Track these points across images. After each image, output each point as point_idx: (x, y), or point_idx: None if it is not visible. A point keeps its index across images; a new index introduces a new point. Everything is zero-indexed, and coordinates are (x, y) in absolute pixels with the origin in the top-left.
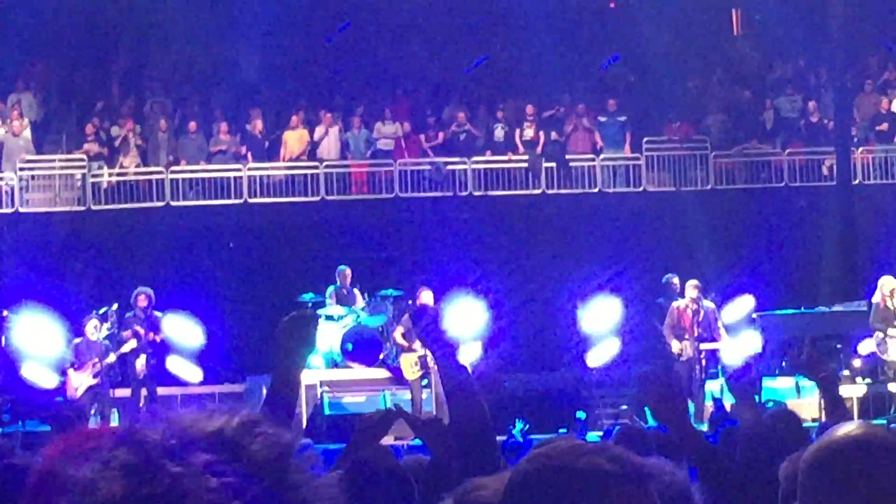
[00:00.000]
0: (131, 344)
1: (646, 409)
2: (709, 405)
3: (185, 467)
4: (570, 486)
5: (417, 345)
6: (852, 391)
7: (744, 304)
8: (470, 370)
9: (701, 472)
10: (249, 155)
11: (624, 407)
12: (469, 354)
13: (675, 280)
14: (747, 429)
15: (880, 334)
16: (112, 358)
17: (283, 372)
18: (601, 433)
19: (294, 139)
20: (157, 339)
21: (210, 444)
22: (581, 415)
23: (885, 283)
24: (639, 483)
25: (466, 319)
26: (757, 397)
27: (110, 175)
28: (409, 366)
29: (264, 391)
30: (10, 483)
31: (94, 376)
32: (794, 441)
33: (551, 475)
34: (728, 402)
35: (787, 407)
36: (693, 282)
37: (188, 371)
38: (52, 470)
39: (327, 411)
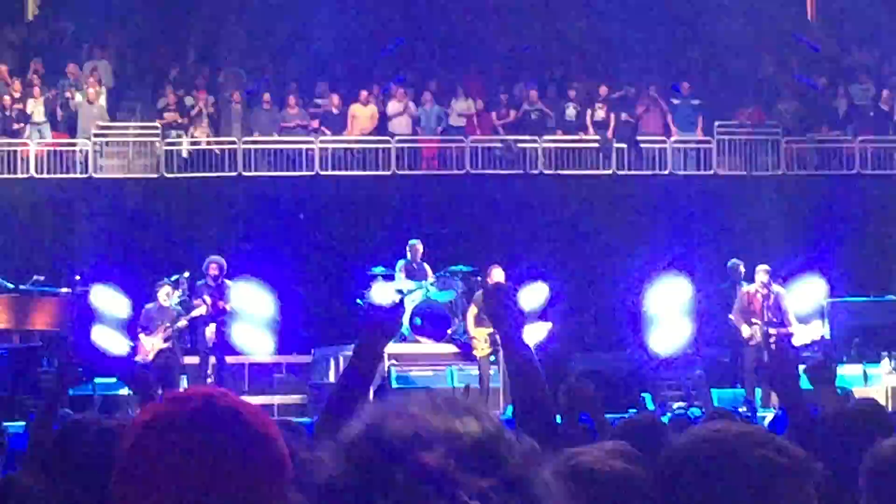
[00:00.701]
0: (201, 310)
1: (711, 392)
2: None
3: (424, 470)
4: (736, 474)
5: (487, 323)
6: None
7: (814, 290)
8: (534, 349)
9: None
10: (321, 128)
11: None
12: (535, 334)
13: (741, 265)
14: (829, 416)
15: None
16: (183, 322)
17: (365, 346)
18: (668, 415)
19: (363, 113)
20: (227, 307)
21: (468, 452)
22: (647, 397)
23: None
24: (803, 476)
25: (533, 298)
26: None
27: (184, 144)
28: (478, 343)
29: (332, 363)
30: (103, 445)
31: (165, 340)
32: (881, 432)
33: (717, 460)
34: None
35: (873, 400)
36: (763, 266)
37: (256, 341)
38: (149, 433)
39: (394, 384)
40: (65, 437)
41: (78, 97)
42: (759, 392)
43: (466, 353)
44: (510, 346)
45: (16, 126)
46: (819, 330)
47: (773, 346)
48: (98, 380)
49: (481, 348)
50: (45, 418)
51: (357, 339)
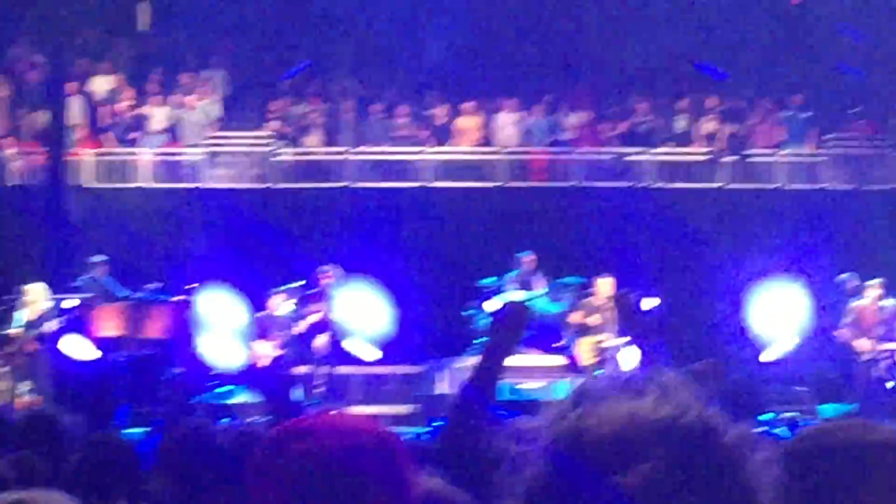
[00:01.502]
0: (315, 317)
1: (818, 409)
2: None
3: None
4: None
5: (594, 332)
6: None
7: None
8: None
9: None
10: (429, 139)
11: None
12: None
13: (852, 280)
14: None
15: None
16: (296, 329)
17: (493, 353)
18: (782, 428)
19: (469, 125)
20: (338, 317)
21: (679, 441)
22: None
23: None
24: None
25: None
26: None
27: (294, 154)
28: (585, 351)
29: (442, 375)
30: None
31: (280, 347)
32: None
33: (839, 448)
34: None
35: None
36: (877, 281)
37: (368, 351)
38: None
39: (507, 396)
40: (192, 443)
41: (190, 107)
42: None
43: (575, 365)
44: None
45: (132, 135)
46: None
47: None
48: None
49: (588, 356)
50: (173, 425)
51: (485, 344)
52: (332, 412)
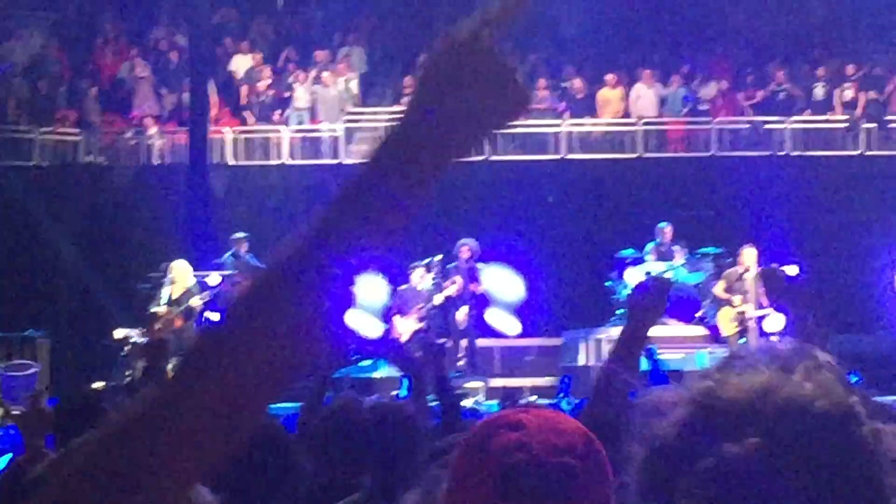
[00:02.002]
0: (452, 289)
1: None
2: None
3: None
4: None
5: (737, 299)
6: None
7: None
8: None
9: None
10: (567, 112)
11: None
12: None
13: None
14: None
15: None
16: (436, 301)
17: (634, 329)
18: None
19: (611, 97)
20: (479, 290)
21: (811, 426)
22: None
23: None
24: None
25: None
26: None
27: None
28: (726, 322)
29: (581, 346)
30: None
31: (420, 320)
32: None
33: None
34: None
35: None
36: None
37: (507, 323)
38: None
39: (644, 367)
40: (335, 418)
41: (329, 84)
42: None
43: (716, 335)
44: (796, 330)
45: (275, 113)
46: None
47: None
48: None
49: (729, 327)
50: (315, 400)
51: (626, 320)
52: (537, 408)
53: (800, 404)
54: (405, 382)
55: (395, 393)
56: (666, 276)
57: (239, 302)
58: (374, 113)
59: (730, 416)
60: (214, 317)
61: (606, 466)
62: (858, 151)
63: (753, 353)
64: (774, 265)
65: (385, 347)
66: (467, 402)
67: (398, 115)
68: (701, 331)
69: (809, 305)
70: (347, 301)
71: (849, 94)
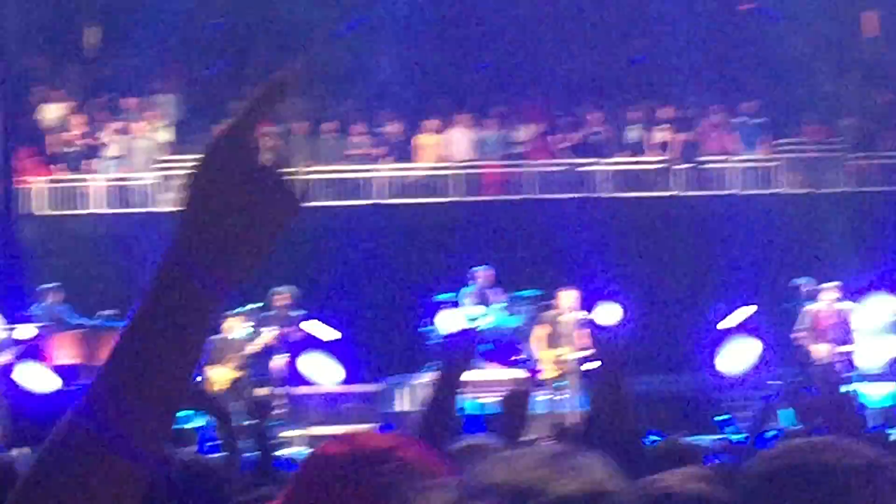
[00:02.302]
0: (267, 339)
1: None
2: None
3: None
4: (811, 483)
5: (554, 346)
6: None
7: (883, 307)
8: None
9: None
10: (384, 157)
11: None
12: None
13: (807, 284)
14: None
15: None
16: (250, 350)
17: (445, 377)
18: (745, 436)
19: (429, 142)
20: (296, 338)
21: None
22: (724, 419)
23: None
24: (877, 475)
25: (606, 320)
26: None
27: None
28: (547, 364)
29: (401, 392)
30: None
31: (237, 369)
32: None
33: (787, 471)
34: None
35: None
36: (831, 284)
37: (326, 371)
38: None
39: (471, 411)
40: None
41: (141, 132)
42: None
43: (536, 378)
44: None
45: (86, 162)
46: (891, 348)
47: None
48: None
49: (550, 371)
50: None
51: (437, 371)
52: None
53: (561, 489)
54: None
55: (210, 444)
56: (484, 320)
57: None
58: (187, 161)
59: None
60: (29, 368)
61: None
62: (673, 192)
63: (521, 452)
64: (594, 311)
65: (197, 398)
66: (285, 452)
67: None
68: (521, 374)
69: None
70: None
71: (662, 135)
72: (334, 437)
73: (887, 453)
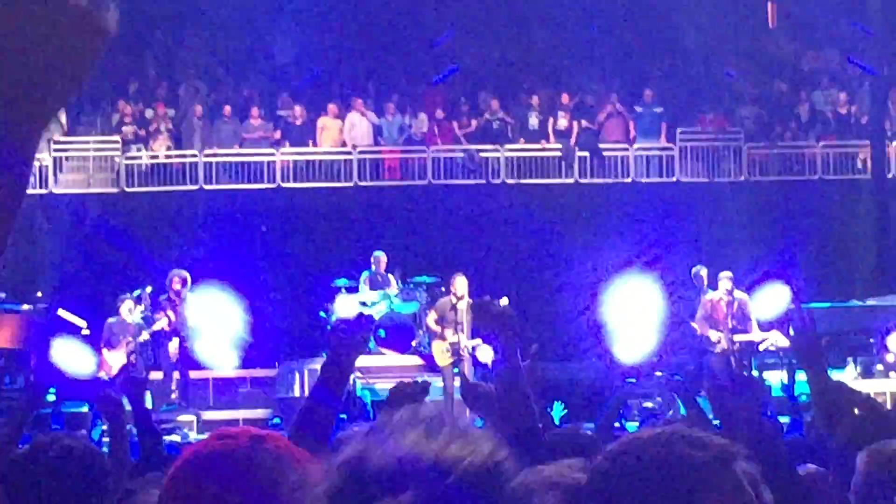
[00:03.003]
0: (163, 323)
1: (678, 400)
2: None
3: None
4: (655, 475)
5: (449, 332)
6: (886, 386)
7: (778, 296)
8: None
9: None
10: (283, 140)
11: (657, 401)
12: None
13: (703, 272)
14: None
15: None
16: (145, 336)
17: (334, 363)
18: (638, 423)
19: (329, 125)
20: (190, 322)
21: (439, 482)
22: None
23: None
24: (723, 466)
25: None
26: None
27: (145, 158)
28: (440, 352)
29: (297, 377)
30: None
31: (128, 356)
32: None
33: (635, 464)
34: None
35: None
36: (726, 273)
37: (221, 355)
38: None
39: (364, 397)
40: (31, 457)
41: None
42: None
43: (431, 364)
44: (505, 360)
45: None
46: (784, 337)
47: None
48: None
49: (443, 358)
50: (12, 439)
51: (326, 356)
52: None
53: (446, 464)
54: (98, 419)
55: (104, 427)
56: (380, 305)
57: None
58: (83, 142)
59: (380, 480)
60: None
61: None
62: (572, 180)
63: (401, 419)
64: (486, 297)
65: (86, 387)
66: (177, 437)
67: None
68: (416, 360)
69: (517, 337)
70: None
71: (562, 122)
72: (213, 431)
73: (738, 445)
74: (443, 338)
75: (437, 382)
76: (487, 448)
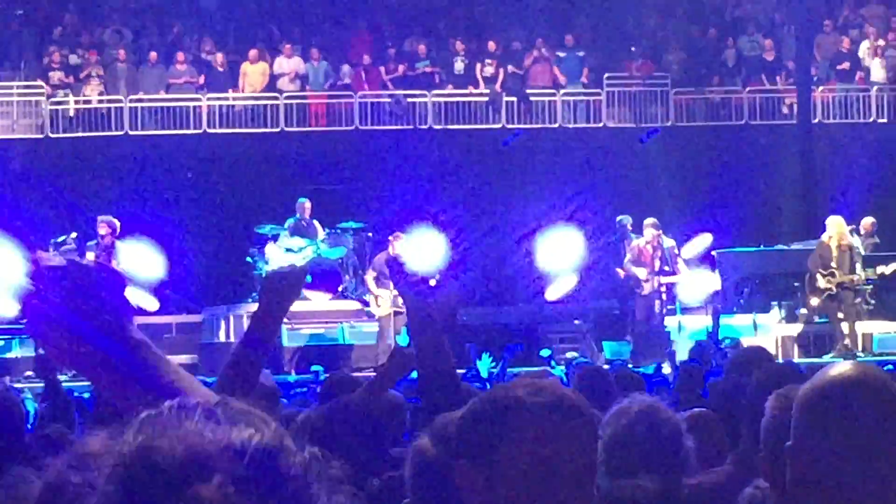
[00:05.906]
0: None
1: (604, 343)
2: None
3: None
4: (511, 421)
5: (391, 286)
6: (787, 330)
7: (702, 241)
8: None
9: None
10: (208, 85)
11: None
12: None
13: (627, 221)
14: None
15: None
16: None
17: (265, 312)
18: (564, 368)
19: (254, 71)
20: (118, 268)
21: (238, 465)
22: (545, 353)
23: (830, 223)
24: (577, 415)
25: (426, 252)
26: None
27: (73, 103)
28: (382, 300)
29: (222, 322)
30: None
31: None
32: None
33: (489, 412)
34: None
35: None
36: (651, 220)
37: (145, 301)
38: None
39: (286, 343)
40: None
41: None
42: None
43: (359, 310)
44: (414, 311)
45: None
46: (711, 281)
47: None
48: None
49: (384, 307)
50: None
51: (258, 304)
52: None
53: (236, 447)
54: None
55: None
56: (306, 251)
57: None
58: (7, 87)
59: (177, 469)
60: None
61: None
62: (500, 125)
63: (174, 408)
64: (396, 255)
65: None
66: None
67: None
68: (344, 305)
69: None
70: None
71: (489, 69)
72: None
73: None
74: (384, 288)
75: (364, 328)
76: (270, 427)
